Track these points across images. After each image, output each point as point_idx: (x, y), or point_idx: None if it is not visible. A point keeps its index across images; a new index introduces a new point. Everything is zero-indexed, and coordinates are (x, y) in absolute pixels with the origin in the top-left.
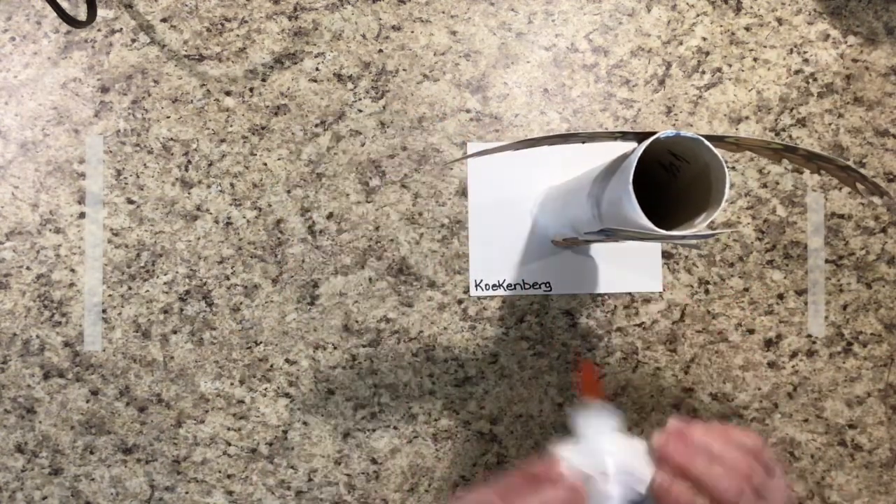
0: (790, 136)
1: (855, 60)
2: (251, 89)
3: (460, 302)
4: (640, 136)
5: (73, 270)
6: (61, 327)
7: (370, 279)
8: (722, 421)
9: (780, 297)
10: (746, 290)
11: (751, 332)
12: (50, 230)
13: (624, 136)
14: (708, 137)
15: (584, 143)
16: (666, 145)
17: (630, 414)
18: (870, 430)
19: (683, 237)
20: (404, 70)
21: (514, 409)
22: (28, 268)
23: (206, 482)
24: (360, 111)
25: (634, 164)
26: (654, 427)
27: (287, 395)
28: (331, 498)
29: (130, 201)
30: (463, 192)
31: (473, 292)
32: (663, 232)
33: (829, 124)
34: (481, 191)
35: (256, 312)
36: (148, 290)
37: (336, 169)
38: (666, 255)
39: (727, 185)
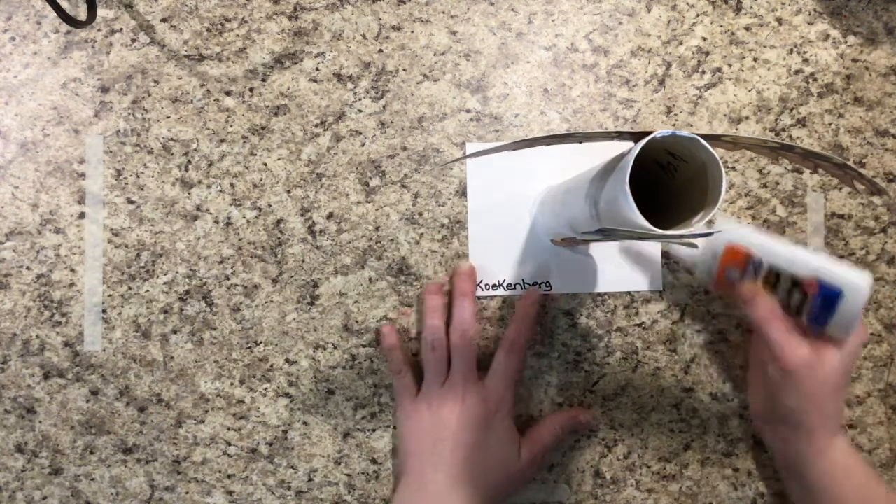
0: (790, 136)
1: (855, 60)
2: (251, 89)
3: None
4: (636, 136)
5: (73, 270)
6: (61, 327)
7: (370, 279)
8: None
9: None
10: None
11: (751, 331)
12: (50, 230)
13: (620, 135)
14: (704, 136)
15: (580, 142)
16: (663, 144)
17: (630, 414)
18: (870, 430)
19: (681, 236)
20: (404, 70)
21: (515, 409)
22: (28, 268)
23: (206, 482)
24: (360, 111)
25: (631, 163)
26: (654, 426)
27: (287, 395)
28: (331, 498)
29: (130, 201)
30: (463, 192)
31: None
32: (660, 231)
33: (829, 124)
34: (481, 191)
35: (256, 312)
36: (148, 290)
37: (336, 169)
38: (666, 255)
39: (724, 184)
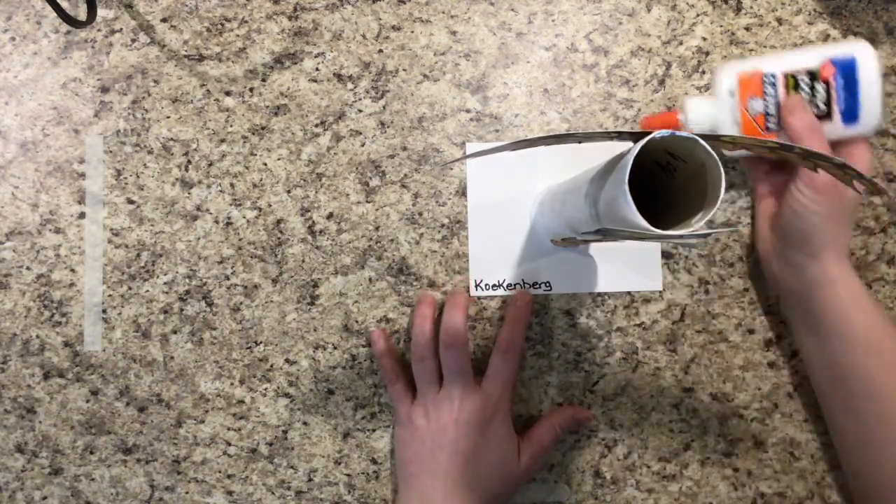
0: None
1: None
2: (251, 89)
3: None
4: (636, 136)
5: (73, 270)
6: (61, 327)
7: (370, 279)
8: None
9: None
10: (746, 290)
11: (751, 332)
12: (50, 230)
13: (620, 135)
14: (704, 136)
15: (580, 142)
16: (662, 144)
17: (630, 414)
18: None
19: (681, 237)
20: (404, 70)
21: (514, 409)
22: (28, 268)
23: (206, 482)
24: (360, 111)
25: (630, 163)
26: (654, 426)
27: (287, 395)
28: (331, 498)
29: (130, 201)
30: (463, 192)
31: (473, 292)
32: (660, 232)
33: None
34: (481, 191)
35: (256, 312)
36: (148, 290)
37: (336, 169)
38: (666, 255)
39: (723, 185)
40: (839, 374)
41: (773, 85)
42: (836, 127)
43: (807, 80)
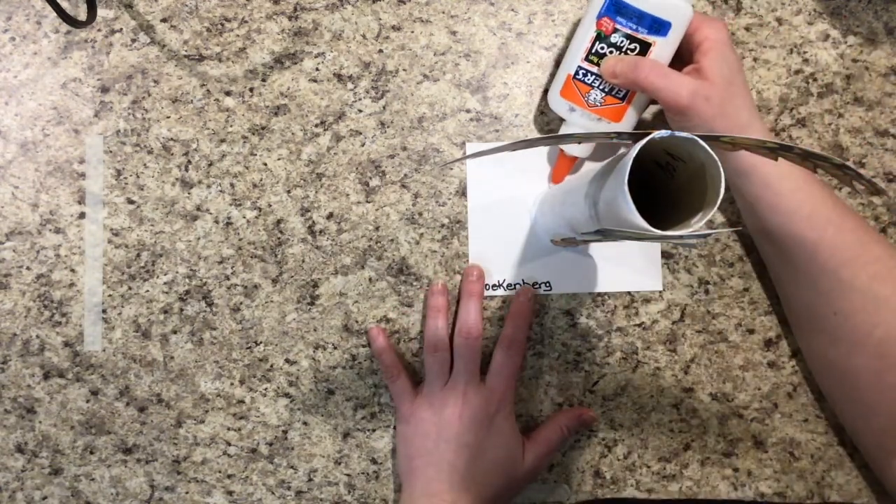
0: (790, 136)
1: (855, 60)
2: (251, 89)
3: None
4: (635, 136)
5: (73, 270)
6: (61, 327)
7: (370, 279)
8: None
9: None
10: (746, 290)
11: (751, 332)
12: (50, 230)
13: (619, 136)
14: (703, 137)
15: (579, 143)
16: (662, 145)
17: (630, 414)
18: None
19: (680, 237)
20: (404, 70)
21: (514, 408)
22: (28, 268)
23: (206, 482)
24: (360, 111)
25: (629, 164)
26: (654, 426)
27: (287, 395)
28: (331, 498)
29: (130, 201)
30: (463, 192)
31: None
32: (659, 232)
33: (829, 124)
34: (481, 191)
35: (256, 312)
36: (148, 290)
37: (336, 169)
38: (666, 255)
39: (722, 185)
40: (782, 245)
41: (587, 73)
42: (662, 45)
43: (600, 44)
